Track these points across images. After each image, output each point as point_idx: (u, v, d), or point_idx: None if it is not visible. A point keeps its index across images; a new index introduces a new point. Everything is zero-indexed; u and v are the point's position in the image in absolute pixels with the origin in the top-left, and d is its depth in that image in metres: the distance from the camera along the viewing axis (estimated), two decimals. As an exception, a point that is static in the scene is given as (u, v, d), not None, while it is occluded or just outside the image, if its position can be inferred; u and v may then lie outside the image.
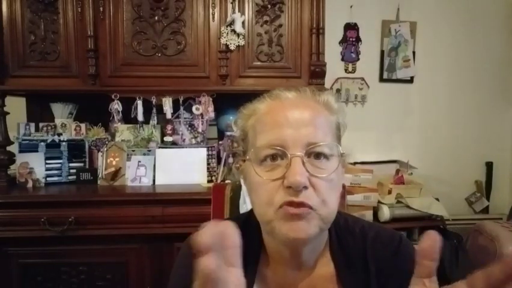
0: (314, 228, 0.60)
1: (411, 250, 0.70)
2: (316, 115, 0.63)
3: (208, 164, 1.96)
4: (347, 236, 0.70)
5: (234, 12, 1.85)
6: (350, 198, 1.91)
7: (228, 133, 1.93)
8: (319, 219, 0.60)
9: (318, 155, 0.60)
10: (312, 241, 0.63)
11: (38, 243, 1.69)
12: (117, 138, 2.01)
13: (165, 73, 1.88)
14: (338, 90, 2.50)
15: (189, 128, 2.04)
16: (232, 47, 1.87)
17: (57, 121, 2.01)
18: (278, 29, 1.90)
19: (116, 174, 1.91)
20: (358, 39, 2.50)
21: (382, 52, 2.52)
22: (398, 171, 2.28)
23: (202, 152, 1.96)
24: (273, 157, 0.60)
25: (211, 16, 1.87)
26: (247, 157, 0.64)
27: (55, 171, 1.93)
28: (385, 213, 1.99)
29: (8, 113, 1.87)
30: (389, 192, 2.09)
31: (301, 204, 0.58)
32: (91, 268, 1.74)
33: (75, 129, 1.99)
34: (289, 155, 0.59)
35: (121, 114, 1.91)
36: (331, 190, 0.61)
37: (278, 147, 0.60)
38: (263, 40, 1.90)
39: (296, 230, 0.58)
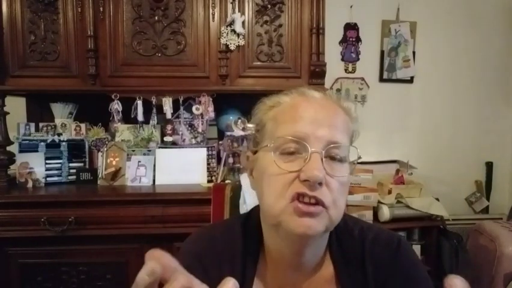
0: (322, 227, 0.60)
1: (410, 252, 0.70)
2: (339, 118, 0.65)
3: (208, 164, 1.96)
4: (347, 237, 0.70)
5: (234, 12, 1.85)
6: (350, 198, 1.91)
7: (228, 133, 1.93)
8: (328, 219, 0.60)
9: (333, 157, 0.61)
10: (315, 240, 0.63)
11: (38, 243, 1.69)
12: (117, 138, 2.01)
13: (165, 73, 1.88)
14: (338, 90, 2.49)
15: (189, 128, 2.04)
16: (232, 47, 1.87)
17: (57, 121, 2.01)
18: (278, 29, 1.90)
19: (116, 174, 1.91)
20: (358, 39, 2.50)
21: (382, 52, 2.52)
22: (398, 171, 2.28)
23: (202, 152, 1.96)
24: (292, 150, 0.61)
25: (211, 16, 1.87)
26: (265, 145, 0.65)
27: (55, 171, 1.93)
28: (385, 213, 1.99)
29: (8, 113, 1.87)
30: (389, 192, 2.09)
31: (313, 200, 0.58)
32: (91, 268, 1.74)
33: (75, 129, 1.99)
34: (310, 149, 0.59)
35: (121, 114, 1.91)
36: (342, 192, 0.62)
37: (300, 140, 0.60)
38: (263, 40, 1.90)
39: (304, 226, 0.59)
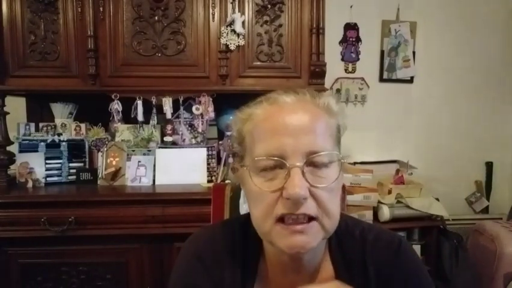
0: (316, 241, 0.59)
1: (411, 253, 0.70)
2: (317, 120, 0.60)
3: (208, 164, 1.96)
4: (347, 239, 0.70)
5: (234, 12, 1.85)
6: (350, 198, 1.91)
7: (228, 133, 1.93)
8: (322, 230, 0.59)
9: (318, 164, 0.58)
10: (313, 249, 0.62)
11: (38, 243, 1.69)
12: (117, 138, 2.01)
13: (165, 73, 1.88)
14: (338, 90, 2.50)
15: (189, 128, 2.04)
16: (232, 47, 1.87)
17: (57, 121, 2.01)
18: (278, 29, 1.90)
19: (116, 174, 1.91)
20: (358, 39, 2.50)
21: (382, 52, 2.52)
22: (398, 171, 2.28)
23: (202, 152, 1.96)
24: (272, 166, 0.58)
25: (211, 16, 1.87)
26: (246, 164, 0.62)
27: (55, 171, 1.93)
28: (385, 213, 1.99)
29: (8, 113, 1.87)
30: (389, 192, 2.09)
31: (300, 218, 0.56)
32: (91, 268, 1.74)
33: (75, 129, 1.99)
34: (288, 166, 0.57)
35: (121, 114, 1.91)
36: (332, 199, 0.59)
37: (277, 158, 0.57)
38: (263, 40, 1.90)
39: (297, 246, 0.57)
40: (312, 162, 0.58)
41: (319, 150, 0.58)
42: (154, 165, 1.93)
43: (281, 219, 0.58)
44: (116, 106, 1.89)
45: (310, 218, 0.57)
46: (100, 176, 1.92)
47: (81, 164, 1.98)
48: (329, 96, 0.65)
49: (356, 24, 2.49)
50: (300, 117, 0.59)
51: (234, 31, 1.85)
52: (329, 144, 0.60)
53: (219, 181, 1.90)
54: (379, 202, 2.02)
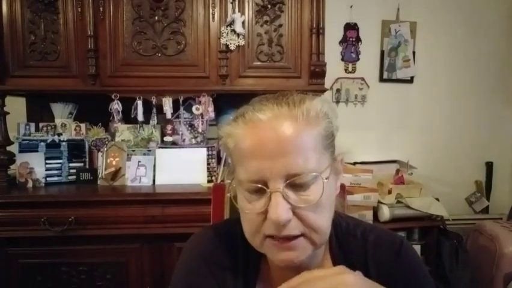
0: (305, 254, 0.59)
1: (413, 254, 0.70)
2: (296, 138, 0.56)
3: (208, 164, 1.96)
4: (348, 239, 0.70)
5: (234, 12, 1.85)
6: (350, 198, 1.91)
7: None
8: (310, 245, 0.59)
9: (299, 185, 0.57)
10: (308, 257, 0.62)
11: (38, 243, 1.69)
12: (117, 138, 2.01)
13: (165, 73, 1.88)
14: (338, 90, 2.50)
15: (189, 128, 2.04)
16: (232, 47, 1.87)
17: (57, 121, 2.01)
18: (278, 29, 1.90)
19: (116, 174, 1.91)
20: (358, 39, 2.50)
21: (382, 52, 2.52)
22: (398, 171, 2.28)
23: (202, 152, 1.96)
24: (255, 190, 0.58)
25: (211, 16, 1.87)
26: (233, 180, 0.63)
27: (55, 171, 1.93)
28: (385, 213, 1.99)
29: (8, 113, 1.87)
30: (389, 192, 2.09)
31: (286, 238, 0.57)
32: (91, 268, 1.74)
33: (75, 129, 1.99)
34: (268, 191, 0.56)
35: (121, 114, 1.91)
36: (320, 214, 0.58)
37: (257, 183, 0.57)
38: (263, 40, 1.90)
39: (287, 260, 0.58)
40: (293, 185, 0.57)
41: (298, 171, 0.56)
42: (154, 165, 1.93)
43: (270, 236, 0.59)
44: (116, 106, 1.89)
45: (297, 236, 0.58)
46: (100, 176, 1.92)
47: (81, 164, 1.98)
48: (311, 101, 0.61)
49: (356, 24, 2.49)
50: (278, 138, 0.56)
51: (234, 31, 1.85)
52: (312, 161, 0.57)
53: (219, 181, 1.90)
54: (379, 202, 2.02)
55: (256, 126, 0.58)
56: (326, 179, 0.58)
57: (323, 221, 0.59)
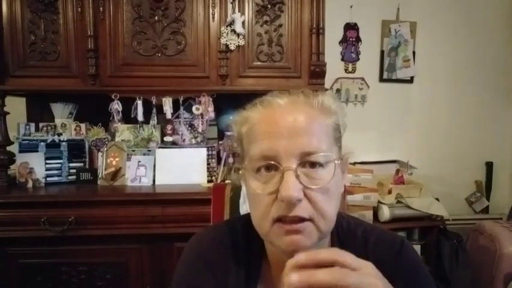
0: (311, 241, 0.59)
1: (413, 254, 0.70)
2: (311, 121, 0.60)
3: (208, 164, 1.96)
4: (349, 239, 0.70)
5: (234, 12, 1.85)
6: (350, 198, 1.91)
7: (228, 133, 1.93)
8: (317, 231, 0.59)
9: (313, 164, 0.58)
10: (312, 247, 0.62)
11: (38, 243, 1.69)
12: (117, 138, 2.01)
13: (165, 73, 1.88)
14: (338, 90, 2.50)
15: (189, 128, 2.04)
16: (232, 47, 1.87)
17: (57, 121, 2.01)
18: (278, 29, 1.90)
19: (116, 174, 1.91)
20: (358, 39, 2.50)
21: (382, 52, 2.52)
22: (398, 171, 2.28)
23: (202, 152, 1.96)
24: (267, 167, 0.59)
25: (211, 16, 1.87)
26: (244, 164, 0.63)
27: (55, 171, 1.93)
28: (385, 213, 1.99)
29: (8, 113, 1.87)
30: (389, 192, 2.09)
31: (296, 219, 0.57)
32: (91, 268, 1.74)
33: (75, 129, 1.99)
34: (281, 168, 0.57)
35: (121, 114, 1.91)
36: (328, 200, 0.59)
37: (270, 160, 0.58)
38: (263, 40, 1.90)
39: (293, 244, 0.58)
40: (306, 163, 0.58)
41: (312, 150, 0.58)
42: (154, 165, 1.93)
43: (279, 219, 0.58)
44: (116, 106, 1.89)
45: (305, 219, 0.58)
46: (100, 176, 1.92)
47: (81, 164, 1.98)
48: (324, 95, 0.64)
49: (356, 24, 2.49)
50: (293, 119, 0.59)
51: (234, 31, 1.85)
52: (325, 144, 0.60)
53: (219, 181, 1.90)
54: (379, 202, 2.02)
55: (275, 108, 0.62)
56: (337, 161, 0.60)
57: (331, 207, 0.60)
